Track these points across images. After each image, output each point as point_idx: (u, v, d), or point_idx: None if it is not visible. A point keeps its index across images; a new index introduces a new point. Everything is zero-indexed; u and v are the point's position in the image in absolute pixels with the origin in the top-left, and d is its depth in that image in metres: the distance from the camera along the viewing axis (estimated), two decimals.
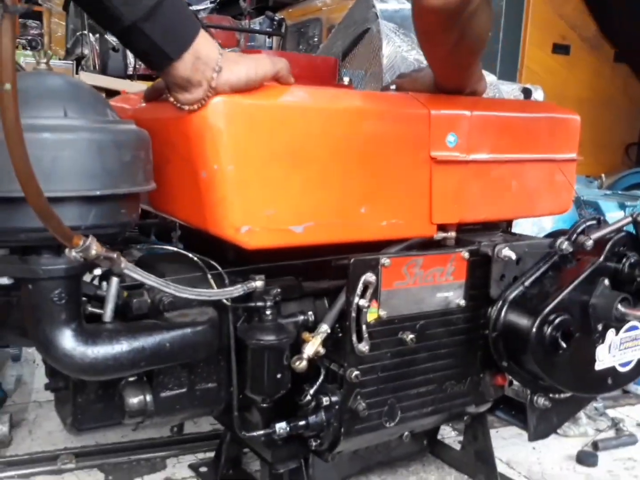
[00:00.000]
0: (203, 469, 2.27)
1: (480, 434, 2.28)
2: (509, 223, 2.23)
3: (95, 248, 1.22)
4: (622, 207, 3.65)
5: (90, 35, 7.17)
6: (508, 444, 2.47)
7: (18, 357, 2.99)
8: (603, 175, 4.12)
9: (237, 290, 1.64)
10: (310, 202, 1.58)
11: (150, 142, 1.43)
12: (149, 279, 1.40)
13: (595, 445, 2.55)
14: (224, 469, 2.18)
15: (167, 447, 2.37)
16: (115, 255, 1.28)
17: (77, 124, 1.29)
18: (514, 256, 1.88)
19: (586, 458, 2.45)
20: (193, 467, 2.29)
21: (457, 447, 2.43)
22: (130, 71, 6.18)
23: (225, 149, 1.42)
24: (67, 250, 1.22)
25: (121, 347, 1.42)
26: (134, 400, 1.63)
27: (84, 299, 1.55)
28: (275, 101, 1.51)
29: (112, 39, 6.03)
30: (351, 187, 1.64)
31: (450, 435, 2.57)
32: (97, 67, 6.67)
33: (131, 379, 1.65)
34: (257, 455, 1.96)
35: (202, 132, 1.43)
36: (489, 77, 2.65)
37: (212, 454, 2.32)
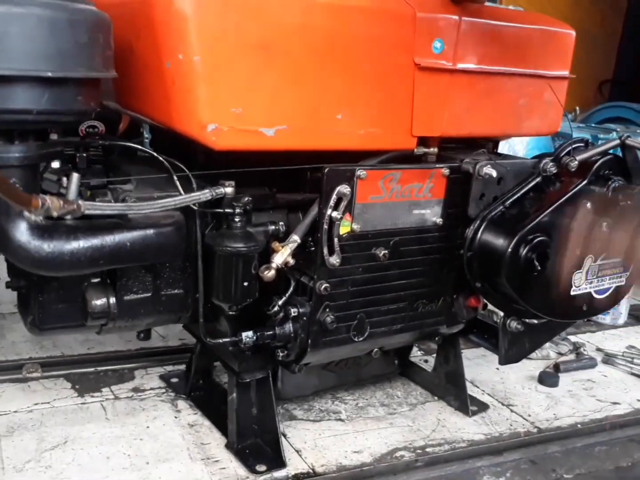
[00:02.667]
0: (174, 380, 2.27)
1: (452, 356, 2.28)
2: (495, 144, 2.17)
3: (55, 204, 1.20)
4: (596, 139, 3.64)
5: None
6: (472, 364, 2.50)
7: None
8: (577, 108, 4.04)
9: (205, 195, 1.59)
10: (283, 103, 1.50)
11: (110, 26, 1.33)
12: (110, 209, 1.37)
13: (556, 367, 2.60)
14: (194, 380, 2.18)
15: (135, 359, 2.36)
16: (75, 206, 1.26)
17: None
18: (495, 174, 1.82)
19: (547, 379, 2.50)
20: (164, 378, 2.28)
21: (424, 366, 2.46)
22: None
23: (191, 37, 1.34)
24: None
25: (79, 243, 1.37)
26: (97, 302, 1.60)
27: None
28: None
29: None
30: (328, 89, 1.56)
31: (416, 354, 2.59)
32: None
33: (95, 280, 1.62)
34: (225, 365, 1.95)
35: (167, 17, 1.34)
36: None
37: (180, 367, 2.33)
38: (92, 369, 2.28)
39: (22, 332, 2.32)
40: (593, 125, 4.02)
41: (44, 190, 1.51)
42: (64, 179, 1.48)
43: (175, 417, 2.06)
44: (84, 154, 1.63)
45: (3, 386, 2.14)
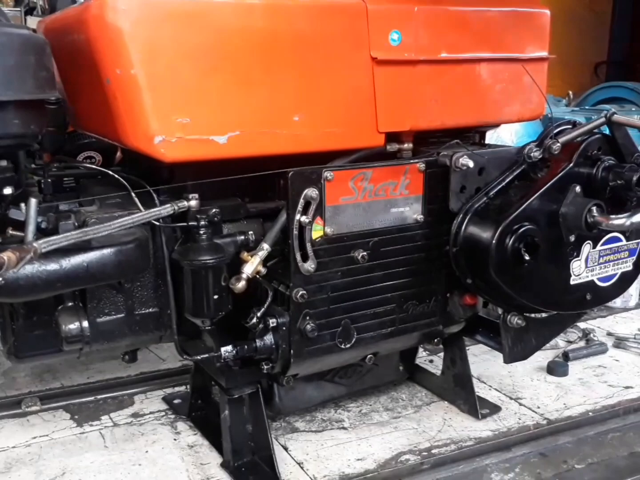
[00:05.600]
0: (177, 401, 2.25)
1: (458, 359, 2.20)
2: (481, 134, 2.09)
3: (12, 259, 1.21)
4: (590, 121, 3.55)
5: None
6: (479, 360, 2.43)
7: None
8: (570, 92, 3.95)
9: (166, 209, 1.56)
10: (233, 108, 1.47)
11: (45, 47, 1.33)
12: (66, 239, 1.36)
13: (565, 355, 2.52)
14: (192, 400, 2.15)
15: (135, 384, 2.34)
16: (32, 253, 1.26)
17: None
18: (472, 165, 1.75)
19: (557, 368, 2.43)
20: (166, 400, 2.26)
21: (429, 367, 2.40)
22: None
23: (126, 51, 1.32)
24: None
25: (33, 267, 1.36)
26: (70, 326, 1.59)
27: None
28: None
29: None
30: (280, 91, 1.52)
31: (421, 354, 2.52)
32: (45, 12, 6.42)
33: (69, 304, 1.61)
34: (215, 382, 1.91)
35: (101, 33, 1.33)
36: None
37: (181, 389, 2.30)
38: (91, 398, 2.26)
39: (23, 367, 2.35)
40: (587, 107, 3.92)
41: (9, 218, 1.52)
42: (22, 206, 1.48)
43: (175, 440, 2.03)
44: (49, 180, 1.65)
45: (2, 422, 2.13)
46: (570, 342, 2.64)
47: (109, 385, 2.33)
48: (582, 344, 2.65)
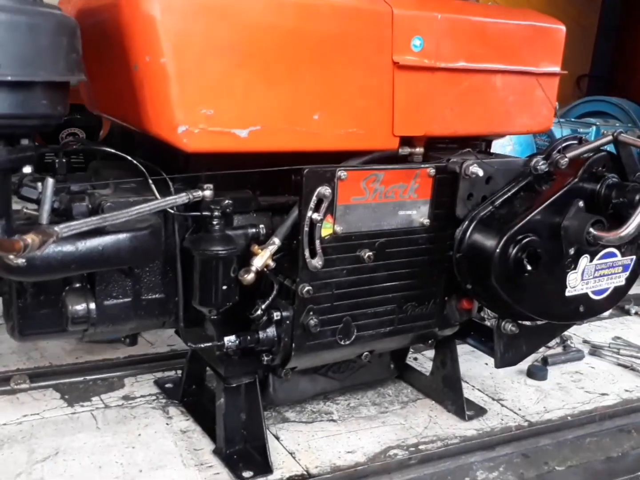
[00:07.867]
0: (168, 386, 2.26)
1: (449, 360, 2.24)
2: (487, 143, 2.13)
3: (36, 242, 1.22)
4: (575, 133, 3.64)
5: None
6: (461, 360, 2.43)
7: None
8: (557, 103, 4.06)
9: (182, 198, 1.57)
10: (256, 103, 1.49)
11: (76, 30, 1.33)
12: (86, 225, 1.37)
13: (545, 360, 2.60)
14: (186, 385, 2.16)
15: (124, 367, 2.34)
16: (54, 236, 1.28)
17: None
18: (481, 173, 1.78)
19: (536, 372, 2.50)
20: (158, 383, 2.28)
21: (418, 367, 2.45)
22: None
23: (157, 39, 1.33)
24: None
25: (50, 247, 1.36)
26: (76, 307, 1.60)
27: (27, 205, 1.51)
28: None
29: None
30: (302, 89, 1.54)
31: None
32: None
33: (75, 285, 1.62)
34: (213, 370, 1.93)
35: (133, 20, 1.33)
36: None
37: (170, 373, 2.32)
38: (81, 379, 2.26)
39: (9, 344, 2.33)
40: (572, 119, 4.02)
41: (21, 196, 1.52)
42: (39, 185, 1.48)
43: (167, 424, 2.05)
44: (64, 160, 1.65)
45: None
46: (548, 347, 2.71)
47: (99, 367, 2.32)
48: (560, 349, 2.73)
